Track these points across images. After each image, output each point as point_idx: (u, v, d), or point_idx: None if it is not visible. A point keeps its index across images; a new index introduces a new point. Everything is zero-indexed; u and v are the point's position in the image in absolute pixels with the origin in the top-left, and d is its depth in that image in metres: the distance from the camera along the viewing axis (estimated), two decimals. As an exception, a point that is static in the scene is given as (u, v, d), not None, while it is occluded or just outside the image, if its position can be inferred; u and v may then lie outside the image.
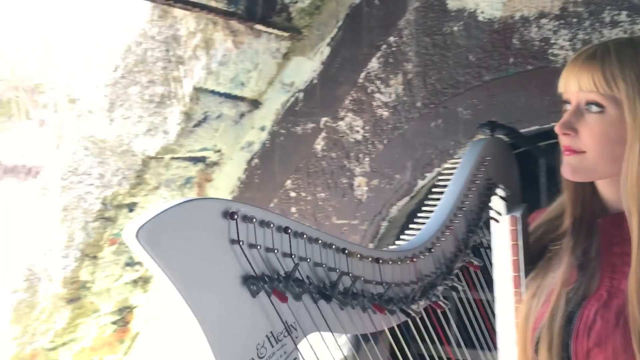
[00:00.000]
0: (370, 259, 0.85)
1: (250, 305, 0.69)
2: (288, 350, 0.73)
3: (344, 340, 2.05)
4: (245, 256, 0.68)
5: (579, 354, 0.97)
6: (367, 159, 2.04)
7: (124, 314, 2.22)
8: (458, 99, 1.87)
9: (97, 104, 1.96)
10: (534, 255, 1.15)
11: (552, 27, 1.73)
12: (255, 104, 2.08)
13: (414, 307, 0.92)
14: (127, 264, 2.10)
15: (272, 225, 0.71)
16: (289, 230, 0.73)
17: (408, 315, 0.90)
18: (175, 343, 2.24)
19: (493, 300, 1.22)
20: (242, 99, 2.01)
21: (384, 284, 0.87)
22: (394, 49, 1.96)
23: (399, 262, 0.89)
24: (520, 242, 1.10)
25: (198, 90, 1.86)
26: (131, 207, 1.99)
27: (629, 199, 0.95)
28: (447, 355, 1.36)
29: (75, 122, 2.00)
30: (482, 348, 1.22)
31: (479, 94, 1.83)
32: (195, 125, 1.91)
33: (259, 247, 0.70)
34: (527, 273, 1.12)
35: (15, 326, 1.97)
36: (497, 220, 1.11)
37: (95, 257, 1.98)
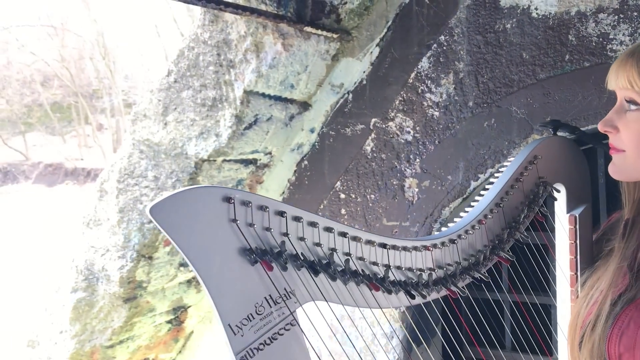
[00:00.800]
0: (376, 244, 0.94)
1: (249, 271, 0.82)
2: (286, 313, 0.85)
3: (396, 342, 2.03)
4: (242, 232, 0.82)
5: (612, 357, 0.95)
6: (417, 160, 2.01)
7: (178, 314, 2.27)
8: (512, 98, 1.83)
9: (151, 108, 2.01)
10: (596, 255, 1.12)
11: (611, 22, 1.67)
12: (304, 106, 2.09)
13: (425, 292, 0.99)
14: (182, 265, 2.14)
15: (267, 209, 0.84)
16: (285, 214, 0.86)
17: (413, 297, 0.98)
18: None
19: (539, 303, 1.21)
20: (291, 101, 2.02)
21: (389, 267, 0.95)
22: (444, 48, 1.93)
23: (412, 250, 0.97)
24: (578, 242, 1.09)
25: (249, 93, 1.88)
26: (184, 208, 2.03)
27: None
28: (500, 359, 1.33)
29: (131, 126, 2.06)
30: (524, 351, 1.20)
31: (534, 93, 1.79)
32: (246, 128, 1.93)
33: (254, 226, 0.83)
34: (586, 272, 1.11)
35: (75, 324, 2.05)
36: (541, 220, 1.11)
37: (150, 258, 2.03)
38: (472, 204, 1.08)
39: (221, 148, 1.92)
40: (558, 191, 1.13)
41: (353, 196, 2.14)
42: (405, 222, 2.06)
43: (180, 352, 2.33)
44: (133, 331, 2.13)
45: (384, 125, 2.06)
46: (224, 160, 1.98)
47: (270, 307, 0.83)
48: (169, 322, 2.25)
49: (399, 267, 0.96)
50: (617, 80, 0.94)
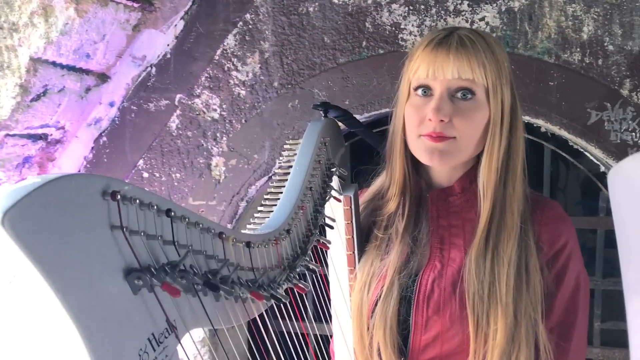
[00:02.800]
0: (242, 243, 0.80)
1: (131, 304, 0.60)
2: (170, 353, 0.65)
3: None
4: (129, 245, 0.59)
5: (418, 324, 1.03)
6: (224, 139, 1.99)
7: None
8: (314, 80, 1.88)
9: None
10: (363, 237, 1.18)
11: (402, 12, 1.79)
12: (103, 77, 1.94)
13: (280, 291, 0.89)
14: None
15: (153, 207, 0.62)
16: (171, 213, 0.65)
17: (279, 300, 0.86)
18: (33, 333, 2.07)
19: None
20: (87, 72, 1.87)
21: (255, 270, 0.83)
22: (250, 26, 1.92)
23: (265, 246, 0.86)
24: (354, 221, 1.12)
25: (36, 61, 1.69)
26: (-41, 189, 1.79)
27: (486, 177, 1.02)
28: (303, 330, 1.37)
29: None
30: (326, 322, 1.24)
31: (334, 76, 1.86)
32: (34, 100, 1.75)
33: (142, 233, 0.61)
34: (360, 253, 1.15)
35: None
36: (339, 200, 1.12)
37: None
38: (273, 190, 1.05)
39: (3, 121, 1.71)
40: (344, 172, 1.16)
41: (157, 175, 2.06)
42: (212, 201, 2.03)
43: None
44: None
45: (189, 102, 2.00)
46: (7, 135, 1.77)
47: (154, 350, 0.62)
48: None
49: (262, 268, 0.85)
50: (459, 71, 0.97)
